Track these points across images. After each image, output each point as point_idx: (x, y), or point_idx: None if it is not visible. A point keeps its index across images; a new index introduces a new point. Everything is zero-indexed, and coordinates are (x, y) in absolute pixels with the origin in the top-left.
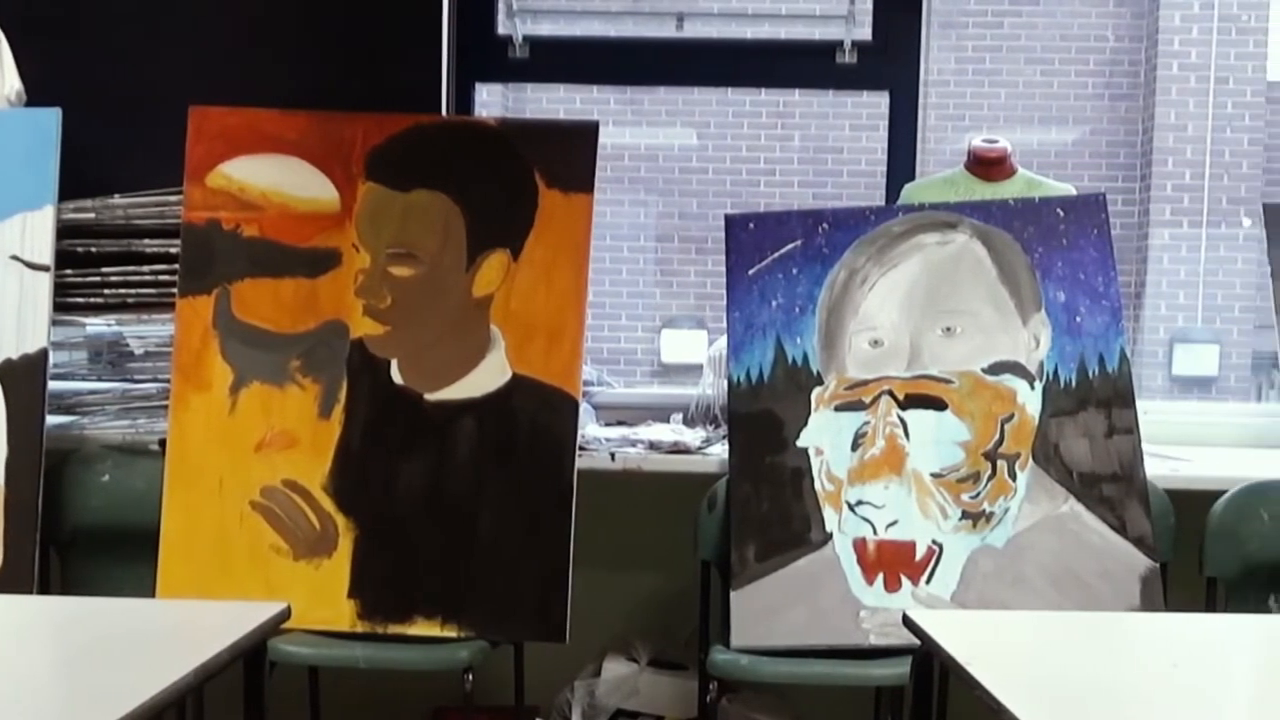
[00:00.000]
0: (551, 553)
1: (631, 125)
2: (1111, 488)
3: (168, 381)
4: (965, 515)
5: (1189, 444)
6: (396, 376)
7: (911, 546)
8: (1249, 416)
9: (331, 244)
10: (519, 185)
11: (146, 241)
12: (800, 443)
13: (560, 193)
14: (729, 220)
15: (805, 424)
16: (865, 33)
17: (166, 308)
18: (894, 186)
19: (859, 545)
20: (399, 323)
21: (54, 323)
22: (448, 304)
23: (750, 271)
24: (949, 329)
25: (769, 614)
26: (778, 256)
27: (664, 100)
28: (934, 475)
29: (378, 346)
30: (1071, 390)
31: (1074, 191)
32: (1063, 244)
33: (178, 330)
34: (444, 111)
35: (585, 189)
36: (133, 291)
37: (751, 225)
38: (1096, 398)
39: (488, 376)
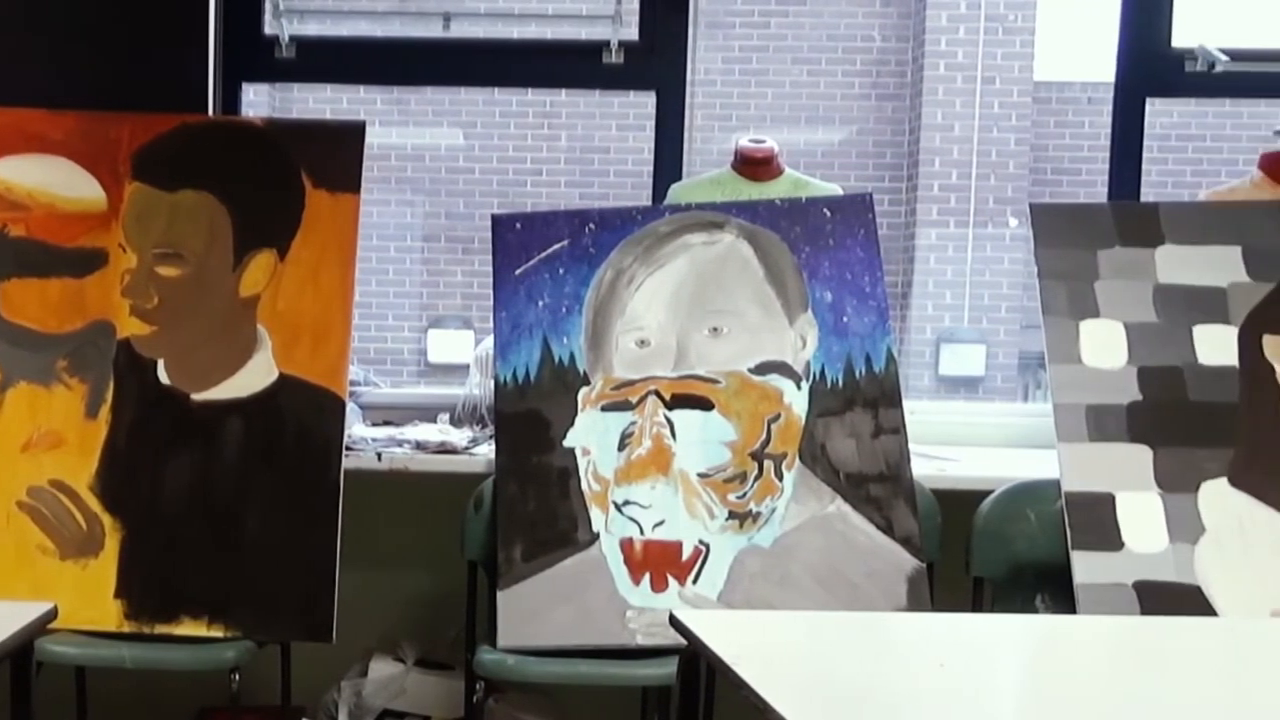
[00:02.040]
0: (318, 553)
1: (398, 125)
2: (878, 487)
3: None
4: (732, 515)
5: (956, 444)
6: (163, 376)
7: (678, 546)
8: (1015, 416)
9: (98, 244)
10: (285, 185)
11: None
12: (567, 443)
13: (327, 192)
14: (496, 220)
15: (572, 424)
16: (632, 33)
17: None
18: (661, 186)
19: (626, 545)
20: (166, 323)
21: None
22: (214, 304)
23: (517, 271)
24: (716, 329)
25: (535, 614)
26: (544, 256)
27: (431, 100)
28: (701, 475)
29: (145, 346)
30: (838, 390)
31: (840, 191)
32: (829, 244)
33: None
34: (211, 111)
35: (352, 189)
36: None
37: (518, 225)
38: (863, 398)
39: (254, 376)
